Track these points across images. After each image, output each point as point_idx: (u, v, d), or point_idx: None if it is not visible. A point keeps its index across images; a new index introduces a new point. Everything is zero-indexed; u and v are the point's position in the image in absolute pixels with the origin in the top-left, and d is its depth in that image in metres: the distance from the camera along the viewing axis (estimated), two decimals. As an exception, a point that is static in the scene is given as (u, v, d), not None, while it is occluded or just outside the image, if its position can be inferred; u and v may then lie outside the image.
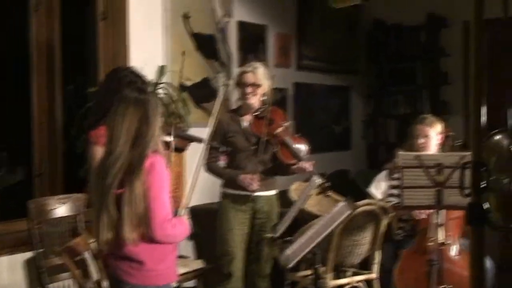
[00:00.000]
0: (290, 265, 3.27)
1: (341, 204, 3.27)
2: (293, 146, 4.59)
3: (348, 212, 3.13)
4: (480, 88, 1.73)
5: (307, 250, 3.20)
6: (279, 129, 4.62)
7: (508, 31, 7.17)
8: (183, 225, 3.27)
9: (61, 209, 4.51)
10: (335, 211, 3.24)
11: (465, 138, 6.53)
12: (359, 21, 8.67)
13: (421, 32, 8.56)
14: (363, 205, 3.89)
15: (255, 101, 4.60)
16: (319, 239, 3.19)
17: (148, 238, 3.09)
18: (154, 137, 3.14)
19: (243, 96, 4.63)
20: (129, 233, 3.05)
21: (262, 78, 4.62)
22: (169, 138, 3.87)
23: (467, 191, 2.97)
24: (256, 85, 4.59)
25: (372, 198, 5.65)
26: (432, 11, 8.41)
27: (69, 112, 5.65)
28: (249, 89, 4.58)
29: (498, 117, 1.87)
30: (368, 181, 7.61)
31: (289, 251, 3.33)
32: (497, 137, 1.97)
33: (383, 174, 5.95)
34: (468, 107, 7.62)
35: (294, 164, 4.57)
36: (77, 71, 6.16)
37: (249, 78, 4.61)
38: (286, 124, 4.69)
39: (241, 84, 4.63)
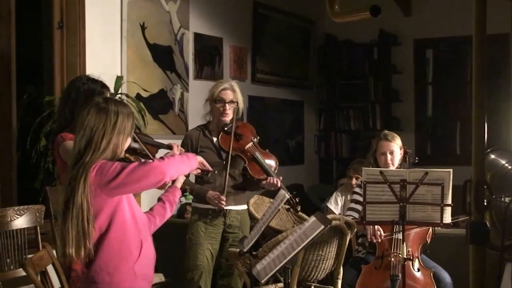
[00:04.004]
0: (263, 281, 3.23)
1: (313, 219, 3.25)
2: (263, 161, 4.58)
3: (322, 227, 3.11)
4: (481, 107, 1.73)
5: (280, 265, 3.16)
6: (249, 145, 4.60)
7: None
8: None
9: (19, 221, 4.38)
10: (307, 226, 3.22)
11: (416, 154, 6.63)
12: (311, 36, 8.73)
13: (373, 49, 8.67)
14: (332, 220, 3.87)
15: (230, 118, 4.58)
16: (291, 254, 3.16)
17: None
18: (108, 148, 2.97)
19: (221, 113, 4.57)
20: (69, 249, 2.90)
21: (239, 95, 4.62)
22: (136, 145, 3.79)
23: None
24: (234, 102, 4.57)
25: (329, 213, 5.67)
26: (383, 29, 8.54)
27: (22, 122, 5.53)
28: (227, 106, 4.55)
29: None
30: (321, 195, 7.67)
31: (259, 266, 3.30)
32: (492, 155, 1.98)
33: (340, 189, 5.99)
34: (421, 124, 7.68)
35: (263, 180, 4.55)
36: (30, 80, 6.03)
37: (229, 95, 4.58)
38: (256, 139, 4.67)
39: (219, 100, 4.57)
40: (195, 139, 4.63)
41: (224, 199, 4.46)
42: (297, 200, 4.41)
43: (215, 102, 4.59)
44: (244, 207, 4.74)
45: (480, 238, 1.71)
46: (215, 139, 4.64)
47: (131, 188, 2.97)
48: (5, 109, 5.01)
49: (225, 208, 4.53)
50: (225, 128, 4.58)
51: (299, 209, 4.46)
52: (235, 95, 4.60)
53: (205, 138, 4.64)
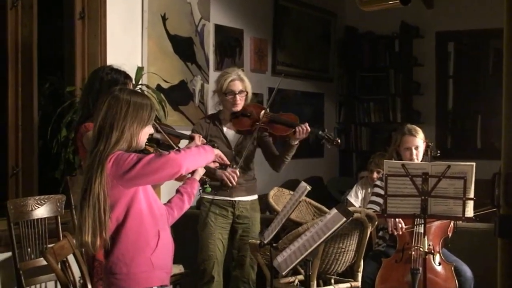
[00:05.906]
0: (284, 273, 3.22)
1: (334, 211, 3.22)
2: (282, 118, 4.56)
3: (344, 219, 3.09)
4: None
5: (301, 258, 3.15)
6: (262, 113, 4.57)
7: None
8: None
9: (40, 210, 4.40)
10: (328, 218, 3.20)
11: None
12: (332, 28, 8.69)
13: (394, 41, 8.62)
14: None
15: (241, 107, 4.57)
16: (313, 247, 3.14)
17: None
18: (122, 138, 2.95)
19: (232, 104, 4.55)
20: (86, 237, 2.89)
21: (248, 83, 4.60)
22: (159, 135, 3.80)
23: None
24: (244, 92, 4.55)
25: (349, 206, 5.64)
26: (405, 21, 8.49)
27: (43, 112, 5.55)
28: (238, 97, 4.53)
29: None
30: (340, 188, 7.64)
31: (280, 258, 3.28)
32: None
33: (360, 182, 5.96)
34: (441, 117, 7.63)
35: (291, 134, 4.47)
36: (51, 70, 6.05)
37: (238, 85, 4.55)
38: (266, 109, 4.63)
39: (229, 92, 4.54)
40: (205, 129, 4.61)
41: (238, 173, 4.42)
42: (333, 135, 4.45)
43: (225, 94, 4.56)
44: (254, 197, 4.72)
45: (509, 231, 1.68)
46: (225, 128, 4.63)
47: (147, 180, 2.95)
48: (27, 99, 5.02)
49: (234, 199, 4.55)
50: (235, 114, 4.59)
51: (339, 141, 4.54)
52: (243, 84, 4.58)
53: (215, 127, 4.63)
